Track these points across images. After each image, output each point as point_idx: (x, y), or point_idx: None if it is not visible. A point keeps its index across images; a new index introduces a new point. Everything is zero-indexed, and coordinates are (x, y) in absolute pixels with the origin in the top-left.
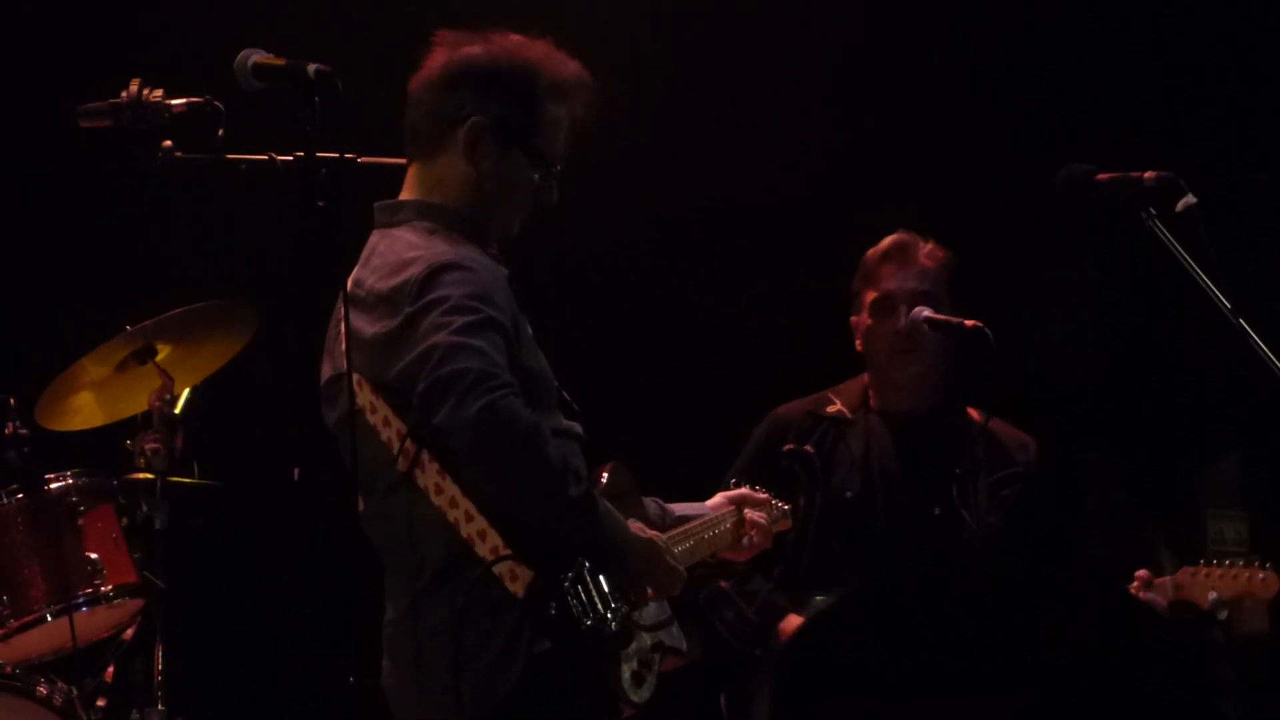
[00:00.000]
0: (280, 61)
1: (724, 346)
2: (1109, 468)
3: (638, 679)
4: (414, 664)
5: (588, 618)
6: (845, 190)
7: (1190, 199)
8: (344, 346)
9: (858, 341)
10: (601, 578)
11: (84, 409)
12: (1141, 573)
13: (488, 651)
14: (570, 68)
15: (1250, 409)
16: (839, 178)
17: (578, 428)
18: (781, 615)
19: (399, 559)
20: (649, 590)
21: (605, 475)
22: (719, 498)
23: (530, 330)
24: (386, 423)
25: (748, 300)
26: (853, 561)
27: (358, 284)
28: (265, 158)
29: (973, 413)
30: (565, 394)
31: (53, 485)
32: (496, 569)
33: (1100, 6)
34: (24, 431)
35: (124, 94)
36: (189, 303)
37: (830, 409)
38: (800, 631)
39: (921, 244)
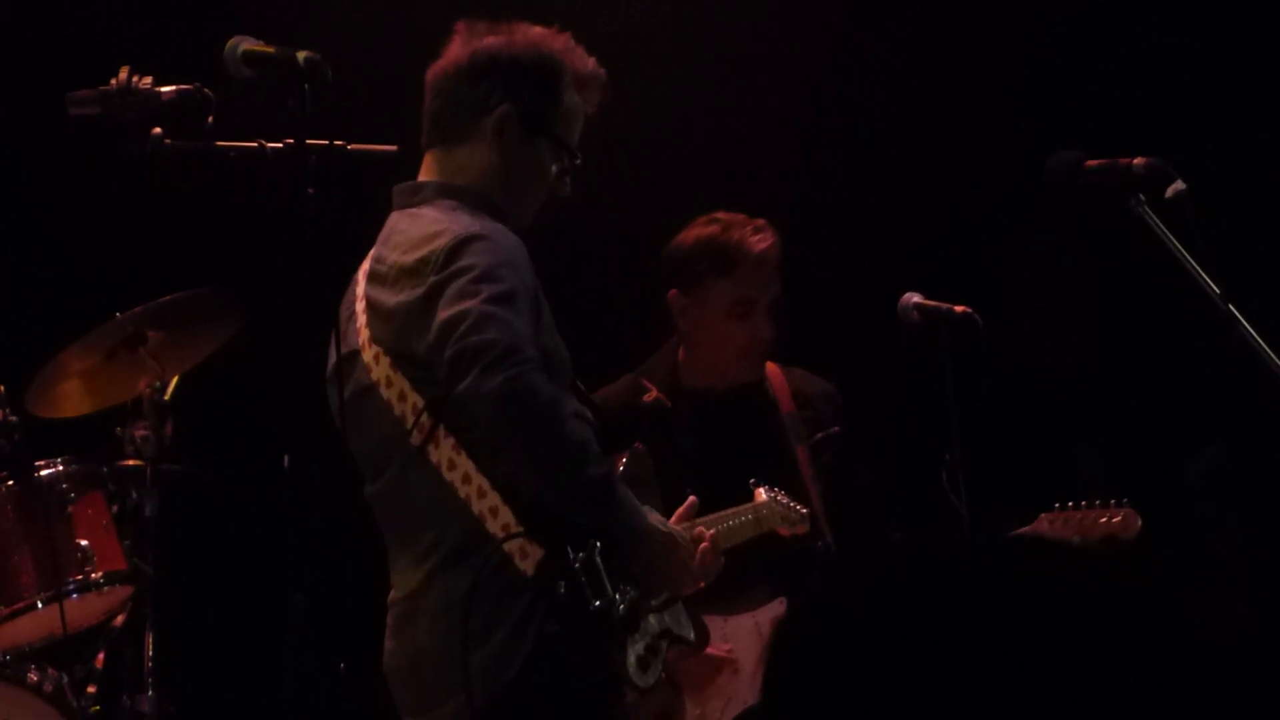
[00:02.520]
0: (270, 49)
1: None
2: (1097, 456)
3: (643, 663)
4: (423, 643)
5: (597, 599)
6: (835, 177)
7: (1180, 185)
8: (359, 324)
9: (683, 320)
10: (613, 560)
11: (74, 396)
12: None
13: (498, 632)
14: (589, 62)
15: (1239, 396)
16: (827, 164)
17: (588, 413)
18: None
19: (409, 536)
20: (662, 584)
21: (624, 462)
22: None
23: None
24: (402, 397)
25: None
26: None
27: (378, 260)
28: (255, 145)
29: (773, 369)
30: (577, 381)
31: (43, 472)
32: (507, 546)
33: None
34: (14, 419)
35: (113, 81)
36: (179, 290)
37: (648, 397)
38: (785, 626)
39: (777, 239)
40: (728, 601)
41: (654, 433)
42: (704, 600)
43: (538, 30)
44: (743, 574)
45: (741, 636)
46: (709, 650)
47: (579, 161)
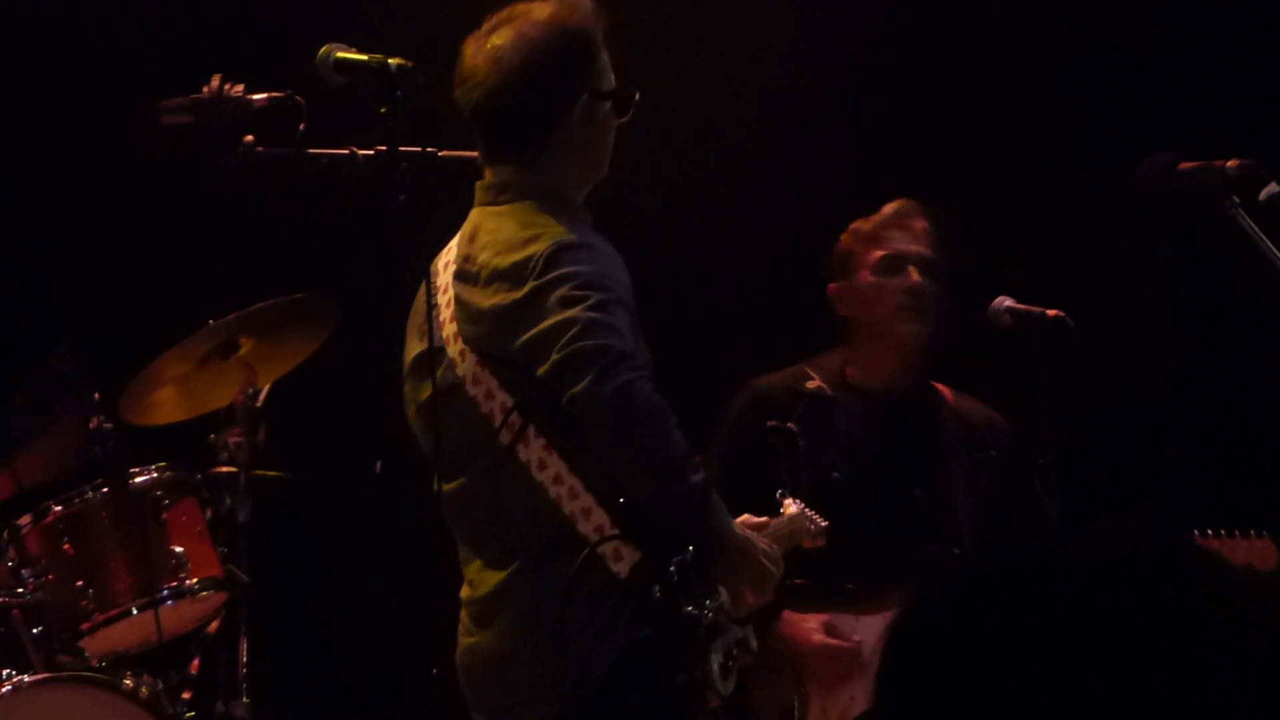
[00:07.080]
0: (363, 56)
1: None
2: (1185, 464)
3: (725, 671)
4: (507, 643)
5: (689, 604)
6: (923, 175)
7: (1274, 187)
8: (444, 318)
9: (844, 307)
10: (703, 567)
11: (167, 403)
12: None
13: (587, 633)
14: (586, 6)
15: None
16: (916, 161)
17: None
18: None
19: (490, 536)
20: (745, 591)
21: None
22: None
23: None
24: (490, 395)
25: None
26: (839, 545)
27: (467, 260)
28: (347, 152)
29: (944, 390)
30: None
31: (137, 479)
32: (600, 549)
33: None
34: (108, 426)
35: (205, 89)
36: (271, 297)
37: (810, 384)
38: (899, 625)
39: (922, 210)
40: (862, 600)
41: (811, 417)
42: (839, 599)
43: (545, 7)
44: (878, 575)
45: (871, 636)
46: (837, 642)
47: (637, 96)
